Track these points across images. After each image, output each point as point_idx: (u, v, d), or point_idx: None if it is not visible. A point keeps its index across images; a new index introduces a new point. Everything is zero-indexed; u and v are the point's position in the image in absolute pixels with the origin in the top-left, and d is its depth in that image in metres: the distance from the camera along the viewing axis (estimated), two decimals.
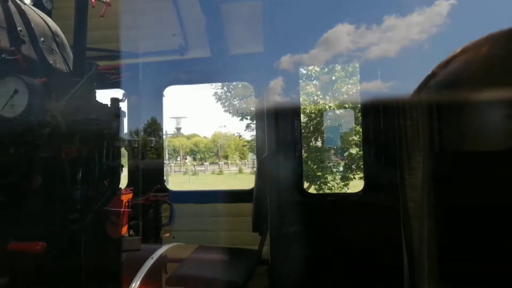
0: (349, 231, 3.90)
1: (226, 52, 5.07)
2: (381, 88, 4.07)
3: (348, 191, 15.58)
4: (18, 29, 2.75)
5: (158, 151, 6.11)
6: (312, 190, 15.89)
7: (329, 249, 3.93)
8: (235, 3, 4.69)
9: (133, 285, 3.74)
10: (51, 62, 3.04)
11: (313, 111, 16.73)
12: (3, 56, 2.44)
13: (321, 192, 15.88)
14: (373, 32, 4.14)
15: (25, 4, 3.06)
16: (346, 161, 17.03)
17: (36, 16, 3.12)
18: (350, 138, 15.94)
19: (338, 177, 16.98)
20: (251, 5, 4.57)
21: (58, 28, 3.35)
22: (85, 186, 2.90)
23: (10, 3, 2.72)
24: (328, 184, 16.67)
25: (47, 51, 3.03)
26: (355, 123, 15.15)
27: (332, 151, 17.68)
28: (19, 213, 2.45)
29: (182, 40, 4.96)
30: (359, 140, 14.70)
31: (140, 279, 3.82)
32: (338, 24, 4.10)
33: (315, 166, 16.87)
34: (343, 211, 3.98)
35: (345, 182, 16.58)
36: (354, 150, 16.26)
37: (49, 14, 3.50)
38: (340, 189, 16.37)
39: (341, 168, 17.37)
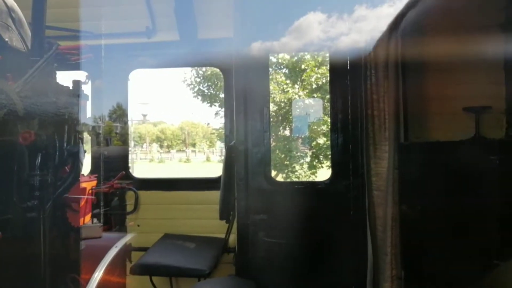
0: (315, 219, 3.95)
1: (195, 36, 4.95)
2: (350, 78, 4.10)
3: (316, 180, 15.83)
4: None
5: (123, 137, 5.94)
6: (279, 178, 16.01)
7: (295, 237, 3.96)
8: None
9: (96, 274, 3.65)
10: (6, 39, 2.86)
11: (282, 100, 16.78)
12: None
13: (288, 180, 16.04)
14: (343, 21, 4.15)
15: None
16: (314, 150, 17.22)
17: None
18: (319, 128, 16.12)
19: (305, 166, 17.17)
20: None
21: (15, 3, 3.15)
22: (44, 172, 2.77)
23: None
24: (296, 173, 16.85)
25: (1, 28, 2.84)
26: (323, 113, 15.34)
27: (300, 141, 17.85)
28: None
29: (149, 22, 4.80)
30: (327, 130, 14.89)
31: (103, 268, 3.73)
32: (310, 12, 4.08)
33: (283, 155, 16.98)
34: (310, 199, 4.01)
35: (313, 171, 16.80)
36: (321, 140, 16.45)
37: None
38: (307, 177, 16.58)
39: (308, 158, 17.58)
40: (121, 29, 4.95)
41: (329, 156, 4.46)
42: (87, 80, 3.18)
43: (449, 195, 3.64)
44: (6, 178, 2.56)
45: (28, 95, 2.64)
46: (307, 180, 15.95)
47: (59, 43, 3.07)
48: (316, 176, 16.41)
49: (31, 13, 2.89)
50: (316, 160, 16.90)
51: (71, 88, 3.14)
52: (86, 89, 3.19)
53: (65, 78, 3.07)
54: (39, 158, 2.78)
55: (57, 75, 3.03)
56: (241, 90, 4.08)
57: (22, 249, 2.64)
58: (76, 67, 3.51)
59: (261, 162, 4.03)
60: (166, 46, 5.22)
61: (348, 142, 4.02)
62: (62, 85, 3.05)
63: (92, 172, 5.51)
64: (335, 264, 3.96)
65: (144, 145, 48.12)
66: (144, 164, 35.83)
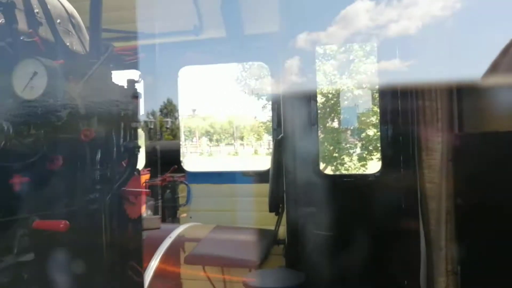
0: (365, 212, 3.90)
1: (241, 32, 5.01)
2: (400, 67, 3.99)
3: (365, 172, 15.52)
4: (35, 11, 2.76)
5: (174, 132, 6.16)
6: (328, 171, 15.86)
7: (345, 230, 3.94)
8: None
9: (152, 263, 3.85)
10: (67, 44, 3.06)
11: (330, 92, 16.55)
12: (21, 38, 2.45)
13: (337, 173, 15.84)
14: (393, 8, 4.03)
15: None
16: (363, 142, 16.87)
17: None
18: (368, 120, 15.75)
19: (355, 158, 16.86)
20: None
21: (74, 10, 3.35)
22: (103, 167, 2.95)
23: None
24: (345, 165, 16.59)
25: (63, 33, 3.04)
26: (372, 103, 14.95)
27: (349, 132, 17.53)
28: (42, 193, 2.51)
29: (197, 21, 4.92)
30: (376, 121, 14.52)
31: (159, 258, 3.92)
32: (357, 0, 4.00)
33: (331, 147, 16.78)
34: (359, 192, 3.97)
35: (362, 163, 16.47)
36: (371, 131, 16.08)
37: None
38: (357, 170, 16.29)
39: (358, 149, 17.24)
40: (170, 29, 5.12)
41: (379, 148, 4.38)
42: (140, 79, 3.32)
43: (508, 188, 3.45)
44: (71, 173, 2.76)
45: (87, 95, 2.82)
46: (356, 172, 15.67)
47: (114, 44, 3.23)
48: (366, 169, 16.07)
49: (88, 18, 3.07)
50: (366, 152, 16.56)
51: (126, 87, 3.31)
52: (139, 87, 3.33)
53: (120, 77, 3.25)
54: (99, 154, 2.97)
55: (112, 75, 3.21)
56: (287, 83, 4.09)
57: (86, 238, 2.84)
58: (130, 66, 3.68)
59: (309, 155, 4.03)
60: (213, 43, 5.33)
61: (398, 133, 3.92)
62: (117, 85, 3.23)
63: (145, 166, 5.76)
64: (386, 258, 3.90)
65: (194, 139, 49.32)
66: (194, 158, 36.78)
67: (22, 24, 2.57)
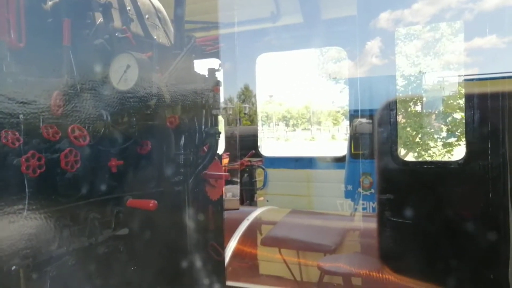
0: (447, 201, 3.71)
1: (318, 17, 4.96)
2: (496, 44, 3.69)
3: (450, 158, 14.57)
4: (127, 8, 3.01)
5: (252, 117, 6.32)
6: (410, 157, 15.16)
7: (424, 219, 3.80)
8: None
9: (231, 243, 4.06)
10: (155, 37, 3.29)
11: (412, 74, 15.66)
12: (116, 34, 2.70)
13: (420, 159, 15.06)
14: None
15: None
16: (449, 127, 15.74)
17: None
18: (455, 102, 14.66)
19: (439, 144, 15.84)
20: None
21: (160, 5, 3.58)
22: (187, 151, 3.17)
23: None
24: (429, 152, 15.64)
25: (151, 27, 3.28)
26: (459, 85, 13.88)
27: (433, 117, 16.47)
28: (134, 175, 2.78)
29: (274, 8, 4.97)
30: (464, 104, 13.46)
31: (237, 239, 4.12)
32: None
33: (414, 132, 15.93)
34: (441, 180, 3.77)
35: (448, 149, 15.42)
36: (458, 115, 14.94)
37: None
38: (441, 156, 15.32)
39: (443, 134, 16.15)
40: (248, 17, 5.23)
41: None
42: (220, 68, 3.48)
43: None
44: (158, 157, 3.01)
45: (172, 85, 3.04)
46: (440, 159, 14.74)
47: (196, 35, 3.41)
48: (452, 155, 15.06)
49: (173, 11, 3.27)
50: (452, 137, 15.48)
51: (207, 76, 3.50)
52: (219, 75, 3.49)
53: (202, 66, 3.44)
54: (183, 139, 3.20)
55: (195, 65, 3.40)
56: (365, 67, 4.00)
57: (172, 217, 3.09)
58: (210, 55, 3.85)
59: (387, 140, 3.92)
60: (290, 29, 5.35)
61: (486, 118, 3.62)
62: (199, 74, 3.42)
63: (225, 150, 6.01)
64: (469, 251, 3.69)
65: (271, 124, 49.86)
66: (271, 143, 37.26)
67: (117, 21, 2.83)
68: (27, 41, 2.10)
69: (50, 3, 2.38)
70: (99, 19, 2.64)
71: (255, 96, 6.27)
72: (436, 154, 15.32)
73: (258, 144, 6.23)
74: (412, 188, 3.82)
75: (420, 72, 15.68)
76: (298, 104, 52.31)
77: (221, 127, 6.08)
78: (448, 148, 15.33)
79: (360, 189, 4.77)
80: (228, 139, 6.06)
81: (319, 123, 47.91)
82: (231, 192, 5.43)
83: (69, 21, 2.23)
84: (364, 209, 5.22)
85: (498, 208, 3.60)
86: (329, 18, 5.08)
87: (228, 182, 5.44)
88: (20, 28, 2.08)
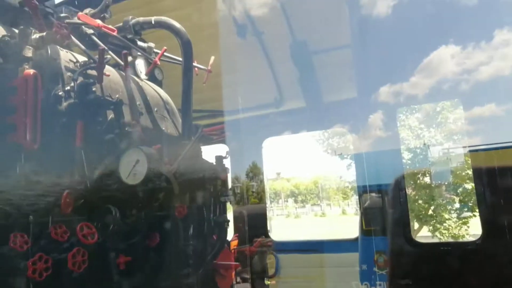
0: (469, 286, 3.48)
1: (320, 100, 5.15)
2: (495, 112, 3.74)
3: (468, 231, 14.07)
4: (137, 103, 3.15)
5: (260, 195, 6.28)
6: (424, 231, 14.69)
7: None
8: (324, 53, 4.80)
9: None
10: (163, 128, 3.39)
11: (417, 146, 15.78)
12: (126, 129, 2.79)
13: (436, 234, 14.52)
14: (481, 50, 3.87)
15: (142, 80, 3.51)
16: (461, 197, 15.41)
17: (150, 88, 3.54)
18: (463, 173, 14.53)
19: (454, 215, 15.37)
20: (340, 53, 4.64)
21: (168, 96, 3.75)
22: (196, 241, 3.11)
23: (131, 81, 3.14)
24: (444, 224, 15.08)
25: (160, 119, 3.40)
26: (465, 155, 13.89)
27: (444, 188, 16.24)
28: (143, 269, 2.70)
29: (277, 94, 5.19)
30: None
31: None
32: (439, 47, 3.94)
33: (426, 205, 15.57)
34: (459, 262, 3.58)
35: (463, 221, 14.90)
36: (469, 185, 14.70)
37: (160, 84, 3.91)
38: (458, 228, 14.75)
39: (456, 205, 15.75)
40: (253, 103, 5.44)
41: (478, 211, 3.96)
42: (227, 155, 3.55)
43: None
44: (167, 249, 2.94)
45: (181, 174, 3.06)
46: (452, 236, 14.15)
47: (202, 125, 3.52)
48: (468, 226, 14.53)
49: (180, 102, 3.39)
50: (466, 209, 15.08)
51: (214, 163, 3.54)
52: (226, 162, 3.54)
53: (209, 154, 3.50)
54: (192, 229, 3.15)
55: (202, 153, 3.46)
56: (370, 143, 4.04)
57: None
58: (218, 143, 3.93)
59: (399, 222, 3.83)
60: (293, 113, 5.53)
61: (498, 192, 3.53)
62: (207, 162, 3.47)
63: (234, 231, 5.88)
64: None
65: (280, 201, 49.38)
66: (280, 220, 36.58)
67: (127, 116, 2.94)
68: (41, 141, 2.17)
69: (65, 104, 2.48)
70: (110, 116, 2.74)
71: (262, 174, 6.30)
72: (452, 227, 14.76)
73: (267, 225, 6.10)
74: (430, 272, 3.62)
75: (425, 144, 15.83)
76: (306, 179, 52.29)
77: (229, 206, 6.02)
78: (463, 220, 14.83)
79: (375, 268, 4.56)
80: (236, 219, 5.96)
81: (328, 198, 47.42)
82: (241, 279, 5.22)
83: (82, 123, 2.31)
84: None
85: None
86: (331, 101, 5.26)
87: (239, 267, 5.25)
88: (36, 130, 2.16)
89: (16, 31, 2.19)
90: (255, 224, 5.81)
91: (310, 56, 4.81)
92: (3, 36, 2.14)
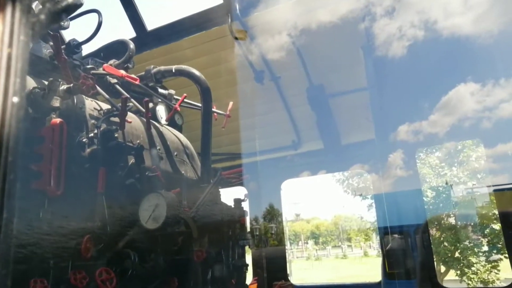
0: None
1: (338, 142, 5.17)
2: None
3: (498, 275, 13.39)
4: (158, 148, 3.23)
5: (279, 236, 6.18)
6: (451, 275, 14.05)
7: None
8: (341, 96, 4.88)
9: None
10: (183, 172, 3.45)
11: (439, 185, 15.42)
12: (147, 173, 2.85)
13: (464, 279, 13.84)
14: (501, 87, 3.86)
15: (162, 125, 3.61)
16: (489, 238, 14.75)
17: (170, 133, 3.63)
18: (490, 213, 14.03)
19: (482, 258, 14.68)
20: (357, 95, 4.70)
21: (188, 141, 3.83)
22: (214, 285, 3.06)
23: (152, 127, 3.24)
24: (472, 268, 14.38)
25: (179, 163, 3.46)
26: (490, 194, 13.47)
27: (470, 229, 15.65)
28: None
29: (295, 136, 5.25)
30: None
31: None
32: (457, 85, 3.96)
33: (452, 247, 14.94)
34: None
35: (493, 264, 14.18)
36: (497, 226, 14.13)
37: (180, 129, 4.01)
38: (488, 272, 14.04)
39: (484, 247, 15.05)
40: (271, 146, 5.49)
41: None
42: (245, 198, 3.56)
43: None
44: None
45: (199, 218, 3.07)
46: (481, 280, 13.45)
47: (221, 168, 3.56)
48: (498, 270, 13.85)
49: (200, 146, 3.46)
50: (495, 251, 14.41)
51: (233, 206, 3.55)
52: (245, 205, 3.55)
53: (228, 197, 3.52)
54: (210, 273, 3.12)
55: (221, 197, 3.48)
56: (389, 182, 3.99)
57: None
58: (236, 185, 3.95)
59: (424, 266, 3.70)
60: (312, 156, 5.55)
61: None
62: (226, 205, 3.48)
63: (253, 274, 5.75)
64: None
65: (300, 243, 48.33)
66: (300, 263, 35.62)
67: (147, 161, 3.02)
68: (64, 187, 2.23)
69: (88, 150, 2.55)
70: (131, 161, 2.81)
71: (281, 215, 6.24)
72: (480, 271, 14.06)
73: (287, 268, 5.96)
74: None
75: (447, 183, 15.47)
76: (326, 220, 51.29)
77: (248, 249, 5.93)
78: (493, 264, 14.12)
79: None
80: (255, 263, 5.84)
81: (349, 239, 46.19)
82: None
83: (104, 169, 2.38)
84: None
85: None
86: (349, 143, 5.27)
87: None
88: (60, 177, 2.23)
89: (46, 82, 2.32)
90: (274, 267, 5.69)
91: (327, 98, 4.88)
92: (34, 88, 2.27)
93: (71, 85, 2.32)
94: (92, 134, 2.54)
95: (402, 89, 4.26)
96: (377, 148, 4.35)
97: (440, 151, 16.82)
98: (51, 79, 2.26)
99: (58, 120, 2.22)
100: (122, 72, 3.12)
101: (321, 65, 4.90)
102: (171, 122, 3.87)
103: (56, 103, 2.27)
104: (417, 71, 4.31)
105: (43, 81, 2.43)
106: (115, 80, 3.16)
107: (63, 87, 2.33)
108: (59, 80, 2.34)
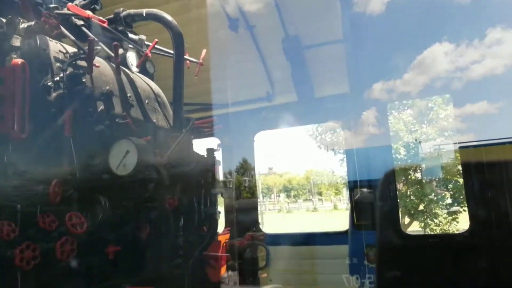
0: (459, 279, 3.52)
1: (312, 95, 5.17)
2: (487, 110, 3.78)
3: (457, 226, 14.24)
4: (128, 95, 3.15)
5: (252, 190, 6.30)
6: (415, 226, 14.84)
7: None
8: (317, 48, 4.82)
9: None
10: (154, 120, 3.39)
11: (409, 143, 15.87)
12: (117, 120, 2.79)
13: (427, 230, 14.66)
14: (474, 48, 3.90)
15: (133, 72, 3.50)
16: (452, 192, 15.54)
17: (141, 81, 3.53)
18: (454, 169, 14.65)
19: (444, 211, 15.52)
20: (333, 48, 4.66)
21: (160, 89, 3.74)
22: (186, 232, 3.12)
23: (122, 74, 3.13)
24: (435, 220, 15.20)
25: (151, 111, 3.40)
26: (456, 151, 13.99)
27: (434, 183, 16.37)
28: (132, 260, 2.71)
29: (269, 88, 5.21)
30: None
31: None
32: (433, 45, 3.98)
33: (417, 200, 15.70)
34: (448, 255, 3.63)
35: (454, 216, 15.05)
36: (461, 179, 14.82)
37: (151, 77, 3.90)
38: (448, 223, 14.91)
39: (448, 200, 15.86)
40: (244, 97, 5.44)
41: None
42: (218, 148, 3.56)
43: None
44: (157, 240, 2.96)
45: (171, 166, 3.07)
46: (443, 231, 14.31)
47: (194, 117, 3.52)
48: (458, 222, 14.70)
49: (171, 94, 3.39)
50: (456, 204, 15.22)
51: (206, 156, 3.55)
52: (218, 154, 3.55)
53: (200, 147, 3.51)
54: (182, 220, 3.16)
55: (193, 146, 3.47)
56: (361, 139, 4.07)
57: None
58: (209, 135, 3.93)
59: (388, 215, 3.87)
60: (286, 108, 5.54)
61: (486, 185, 3.57)
62: (198, 154, 3.48)
63: (225, 225, 5.89)
64: None
65: (272, 196, 49.48)
66: (272, 215, 36.67)
67: (117, 108, 2.94)
68: (29, 131, 2.16)
69: (54, 94, 2.46)
70: (101, 107, 2.74)
71: (254, 169, 6.31)
72: (442, 222, 14.91)
73: (259, 220, 6.12)
74: (419, 264, 3.65)
75: (416, 139, 15.93)
76: (299, 175, 52.44)
77: (221, 200, 6.03)
78: (453, 216, 14.96)
79: (366, 262, 4.61)
80: (228, 213, 5.97)
81: (320, 193, 47.58)
82: (231, 270, 5.23)
83: (71, 112, 2.31)
84: (371, 283, 4.99)
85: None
86: (323, 96, 5.29)
87: (229, 260, 5.26)
88: (24, 120, 2.15)
89: (4, 20, 2.18)
90: (246, 218, 5.83)
91: (302, 50, 4.82)
92: None
93: (32, 23, 2.19)
94: (57, 78, 2.43)
95: (378, 45, 4.24)
96: (350, 103, 4.39)
97: (412, 109, 17.16)
98: (9, 16, 2.13)
99: (19, 60, 2.11)
100: (89, 12, 2.96)
101: (297, 16, 4.79)
102: (142, 70, 3.75)
103: (16, 42, 2.15)
104: (394, 29, 4.28)
105: (1, 18, 2.28)
106: (81, 22, 3.00)
107: (24, 25, 2.20)
108: (19, 18, 2.20)
